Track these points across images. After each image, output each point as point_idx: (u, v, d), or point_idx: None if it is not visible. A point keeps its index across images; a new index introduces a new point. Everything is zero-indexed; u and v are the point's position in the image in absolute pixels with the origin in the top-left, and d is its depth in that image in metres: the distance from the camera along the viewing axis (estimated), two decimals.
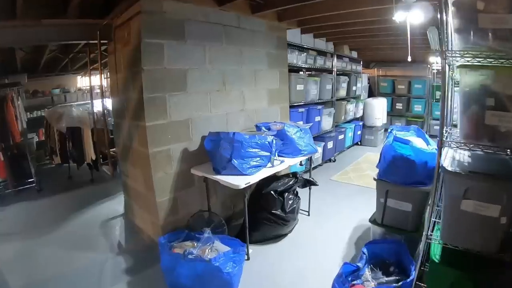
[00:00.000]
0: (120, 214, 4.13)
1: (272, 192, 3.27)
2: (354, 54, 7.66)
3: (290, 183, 3.39)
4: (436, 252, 2.20)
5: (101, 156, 5.11)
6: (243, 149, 2.84)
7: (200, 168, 3.15)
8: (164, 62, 2.86)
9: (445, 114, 2.07)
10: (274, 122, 3.79)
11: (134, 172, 3.33)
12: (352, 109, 7.49)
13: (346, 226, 3.75)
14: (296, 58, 4.91)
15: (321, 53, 5.87)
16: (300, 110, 5.10)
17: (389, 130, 3.27)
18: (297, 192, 3.55)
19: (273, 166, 3.08)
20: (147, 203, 3.17)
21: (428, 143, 3.02)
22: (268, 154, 3.01)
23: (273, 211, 3.25)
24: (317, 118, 5.72)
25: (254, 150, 2.90)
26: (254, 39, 3.75)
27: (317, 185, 3.56)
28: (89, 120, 5.17)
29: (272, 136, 3.02)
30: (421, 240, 2.17)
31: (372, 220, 3.13)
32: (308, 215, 3.97)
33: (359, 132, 8.12)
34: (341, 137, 6.90)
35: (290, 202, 3.38)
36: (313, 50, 5.54)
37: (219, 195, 3.53)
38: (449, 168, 1.92)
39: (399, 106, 9.83)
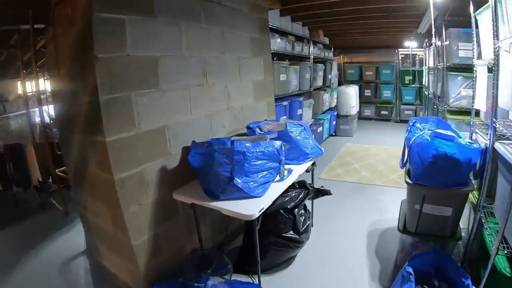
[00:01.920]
0: (83, 251, 3.20)
1: (281, 210, 2.55)
2: (326, 41, 7.07)
3: (301, 196, 2.69)
4: (504, 265, 1.96)
5: (50, 177, 4.15)
6: (248, 163, 2.09)
7: (185, 191, 2.37)
8: (127, 47, 2.02)
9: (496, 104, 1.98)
10: (265, 120, 3.08)
11: (95, 205, 2.45)
12: (327, 99, 6.99)
13: (358, 234, 3.32)
14: (276, 44, 4.20)
15: (298, 39, 5.20)
16: (284, 103, 4.44)
17: (410, 123, 2.80)
18: (305, 205, 2.86)
19: (282, 179, 2.36)
20: (118, 246, 2.32)
21: (458, 135, 2.52)
22: (276, 164, 2.28)
23: (284, 234, 2.56)
24: (299, 111, 5.12)
25: (260, 162, 2.16)
26: (236, 20, 2.99)
27: (331, 194, 2.88)
28: (31, 134, 4.21)
29: (280, 142, 2.28)
30: (457, 246, 2.05)
31: (402, 229, 2.68)
32: (312, 225, 3.29)
33: (334, 123, 7.67)
34: (320, 129, 6.42)
35: (302, 219, 2.69)
36: (291, 35, 4.85)
37: (208, 219, 2.75)
38: None
39: (367, 92, 9.59)
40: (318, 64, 6.20)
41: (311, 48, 5.76)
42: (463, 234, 2.67)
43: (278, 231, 2.58)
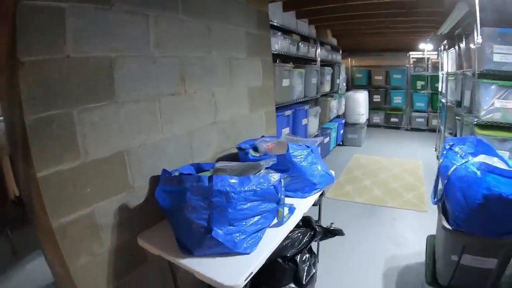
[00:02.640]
0: None
1: (279, 260, 1.96)
2: (334, 42, 6.45)
3: (305, 239, 2.09)
4: None
5: None
6: (232, 207, 1.48)
7: (153, 234, 1.78)
8: (68, 45, 1.42)
9: None
10: (262, 137, 2.47)
11: (46, 246, 1.86)
12: (335, 106, 6.39)
13: (370, 274, 2.78)
14: (278, 44, 3.59)
15: (303, 38, 4.60)
16: (287, 113, 3.83)
17: (446, 146, 2.25)
18: (311, 247, 2.26)
19: (281, 222, 1.75)
20: None
21: (507, 163, 2.01)
22: (273, 205, 1.67)
23: None
24: (304, 121, 4.51)
25: (250, 204, 1.55)
26: (228, 11, 2.39)
27: (344, 234, 2.27)
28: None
29: (278, 174, 1.66)
30: None
31: (431, 280, 2.21)
32: (317, 261, 2.70)
33: (341, 131, 7.07)
34: (326, 140, 5.81)
35: (306, 267, 2.10)
36: (296, 34, 4.24)
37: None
38: None
39: (376, 98, 9.03)
40: (325, 68, 5.59)
41: (318, 50, 5.15)
42: None
43: (275, 284, 1.99)
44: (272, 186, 1.60)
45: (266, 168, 1.79)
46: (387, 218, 3.79)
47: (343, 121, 7.10)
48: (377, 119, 9.15)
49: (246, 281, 1.39)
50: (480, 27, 3.15)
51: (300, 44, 4.34)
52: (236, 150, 2.30)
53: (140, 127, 1.76)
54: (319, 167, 2.19)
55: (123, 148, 1.69)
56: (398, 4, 3.78)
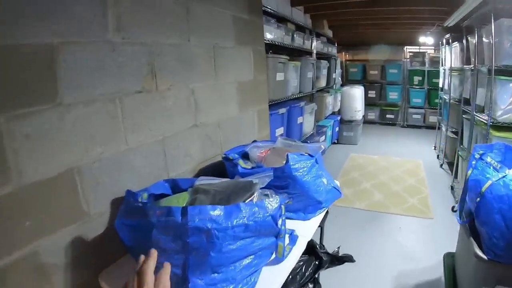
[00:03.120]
0: None
1: None
2: (330, 34, 6.03)
3: (309, 271, 1.69)
4: None
5: None
6: (216, 250, 1.06)
7: (120, 272, 1.37)
8: None
9: None
10: (254, 143, 2.07)
11: None
12: (331, 102, 6.00)
13: None
14: (272, 33, 3.16)
15: (298, 28, 4.18)
16: (281, 111, 3.41)
17: (475, 155, 1.93)
18: (316, 278, 1.86)
19: (283, 257, 1.33)
20: None
21: None
22: (271, 240, 1.26)
23: None
24: (300, 120, 4.12)
25: (241, 242, 1.13)
26: None
27: (354, 261, 1.87)
28: None
29: (277, 200, 1.24)
30: None
31: None
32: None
33: (337, 129, 6.72)
34: (322, 139, 5.38)
35: None
36: (291, 23, 3.82)
37: None
38: None
39: (371, 94, 8.70)
40: (321, 61, 5.17)
41: (314, 41, 4.72)
42: None
43: None
44: (270, 217, 1.19)
45: (261, 188, 1.38)
46: (391, 227, 3.48)
47: (339, 118, 6.73)
48: (372, 115, 8.82)
49: None
50: (497, 19, 2.83)
51: (295, 34, 3.91)
52: (222, 155, 1.88)
53: (95, 136, 1.33)
54: (325, 181, 1.79)
55: (73, 165, 1.26)
56: None
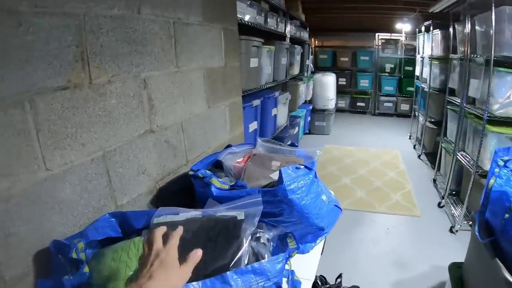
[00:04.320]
0: None
1: None
2: (303, 17, 5.59)
3: None
4: None
5: None
6: None
7: None
8: None
9: None
10: (229, 148, 1.62)
11: None
12: (303, 91, 5.60)
13: None
14: (244, 11, 2.67)
15: (272, 9, 3.70)
16: (255, 103, 2.95)
17: (498, 162, 1.60)
18: None
19: None
20: None
21: None
22: None
23: None
24: (274, 111, 3.70)
25: None
26: None
27: None
28: None
29: (282, 259, 0.80)
30: None
31: None
32: None
33: (309, 119, 6.37)
34: (295, 131, 5.02)
35: None
36: (264, 2, 3.33)
37: None
38: None
39: (342, 81, 8.41)
40: (296, 46, 4.71)
41: (288, 25, 4.26)
42: None
43: None
44: (274, 286, 0.75)
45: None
46: (379, 228, 3.19)
47: (311, 107, 6.36)
48: (342, 103, 8.55)
49: None
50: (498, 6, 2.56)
51: (268, 15, 3.44)
52: (189, 169, 1.40)
53: None
54: (325, 198, 1.36)
55: None
56: None
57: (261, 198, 1.01)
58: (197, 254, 0.72)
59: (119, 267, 0.90)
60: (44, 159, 0.95)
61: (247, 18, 2.74)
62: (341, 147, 5.60)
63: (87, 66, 1.05)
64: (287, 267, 0.86)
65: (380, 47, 8.27)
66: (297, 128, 5.09)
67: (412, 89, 6.91)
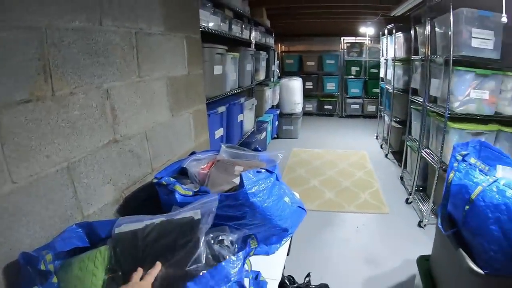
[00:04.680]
0: None
1: None
2: (268, 24, 5.70)
3: None
4: None
5: None
6: None
7: None
8: None
9: None
10: (193, 155, 1.66)
11: None
12: (270, 96, 5.70)
13: None
14: (208, 19, 2.72)
15: (236, 16, 3.77)
16: (220, 110, 3.00)
17: (457, 157, 1.70)
18: None
19: None
20: None
21: None
22: None
23: None
24: (240, 117, 3.76)
25: None
26: None
27: None
28: None
29: (240, 257, 0.85)
30: None
31: None
32: None
33: (276, 123, 6.49)
34: (263, 136, 5.09)
35: None
36: (228, 9, 3.39)
37: None
38: None
39: (308, 85, 8.64)
40: (261, 52, 4.80)
41: (253, 31, 4.35)
42: None
43: None
44: (235, 284, 0.80)
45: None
46: (349, 227, 3.28)
47: (278, 112, 6.48)
48: (309, 107, 8.73)
49: None
50: (456, 8, 2.73)
51: (232, 22, 3.50)
52: (153, 178, 1.43)
53: None
54: (288, 200, 1.43)
55: None
56: None
57: (217, 196, 1.07)
58: (156, 269, 0.86)
59: (85, 276, 0.93)
60: (9, 172, 0.96)
61: (211, 25, 2.79)
62: (310, 150, 5.72)
63: (49, 78, 1.07)
64: (250, 267, 0.91)
65: (345, 50, 8.54)
66: (264, 133, 5.17)
67: (377, 90, 7.15)
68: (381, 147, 5.83)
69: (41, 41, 1.05)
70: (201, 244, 0.90)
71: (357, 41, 8.40)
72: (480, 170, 1.51)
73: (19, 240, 0.98)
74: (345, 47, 8.53)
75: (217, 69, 2.84)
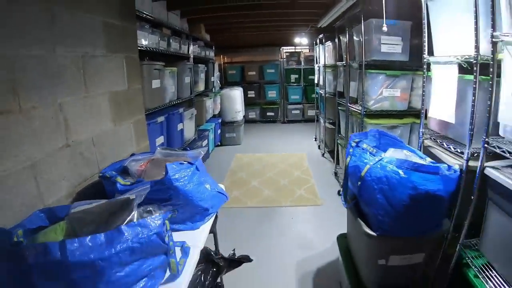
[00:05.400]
0: None
1: None
2: (207, 38, 6.09)
3: (209, 279, 1.71)
4: None
5: None
6: (104, 282, 1.01)
7: None
8: None
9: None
10: (133, 156, 2.00)
11: None
12: (211, 106, 6.08)
13: (289, 285, 2.62)
14: (146, 38, 3.06)
15: (175, 33, 4.12)
16: (159, 119, 3.33)
17: (352, 143, 2.09)
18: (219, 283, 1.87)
19: (178, 274, 1.31)
20: None
21: (417, 154, 1.97)
22: (162, 258, 1.23)
23: None
24: (180, 126, 4.08)
25: (130, 267, 1.08)
26: None
27: (251, 260, 1.93)
28: None
29: (160, 215, 1.21)
30: None
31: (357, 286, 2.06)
32: None
33: (219, 131, 6.84)
34: (205, 143, 5.42)
35: None
36: (166, 28, 3.74)
37: None
38: None
39: (251, 94, 9.14)
40: (199, 65, 5.18)
41: (191, 46, 4.72)
42: None
43: None
44: (155, 235, 1.16)
45: (145, 204, 1.34)
46: (285, 220, 3.66)
47: (220, 120, 6.86)
48: (253, 114, 9.18)
49: None
50: (366, 19, 3.20)
51: (171, 39, 3.85)
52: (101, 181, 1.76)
53: None
54: (208, 186, 1.81)
55: None
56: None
57: (149, 185, 1.44)
58: None
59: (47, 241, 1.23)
60: None
61: (150, 44, 3.13)
62: (252, 155, 6.11)
63: (17, 96, 1.38)
64: (167, 227, 1.27)
65: (285, 59, 9.13)
66: (206, 141, 5.51)
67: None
68: (319, 148, 6.35)
69: (10, 68, 1.36)
70: (134, 211, 1.25)
71: (296, 50, 9.02)
72: (370, 153, 1.87)
73: None
74: (284, 57, 9.14)
75: (155, 83, 3.17)
